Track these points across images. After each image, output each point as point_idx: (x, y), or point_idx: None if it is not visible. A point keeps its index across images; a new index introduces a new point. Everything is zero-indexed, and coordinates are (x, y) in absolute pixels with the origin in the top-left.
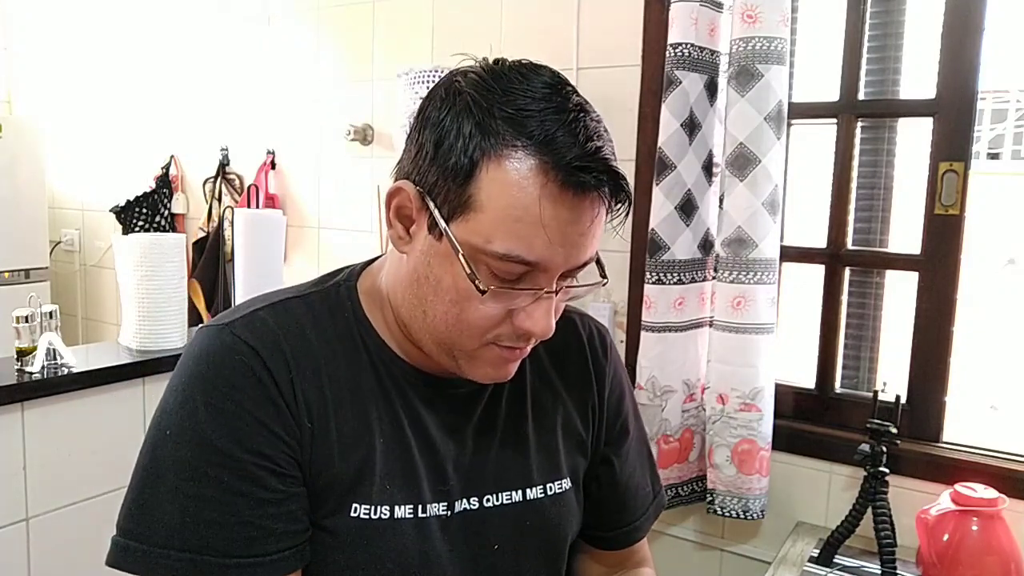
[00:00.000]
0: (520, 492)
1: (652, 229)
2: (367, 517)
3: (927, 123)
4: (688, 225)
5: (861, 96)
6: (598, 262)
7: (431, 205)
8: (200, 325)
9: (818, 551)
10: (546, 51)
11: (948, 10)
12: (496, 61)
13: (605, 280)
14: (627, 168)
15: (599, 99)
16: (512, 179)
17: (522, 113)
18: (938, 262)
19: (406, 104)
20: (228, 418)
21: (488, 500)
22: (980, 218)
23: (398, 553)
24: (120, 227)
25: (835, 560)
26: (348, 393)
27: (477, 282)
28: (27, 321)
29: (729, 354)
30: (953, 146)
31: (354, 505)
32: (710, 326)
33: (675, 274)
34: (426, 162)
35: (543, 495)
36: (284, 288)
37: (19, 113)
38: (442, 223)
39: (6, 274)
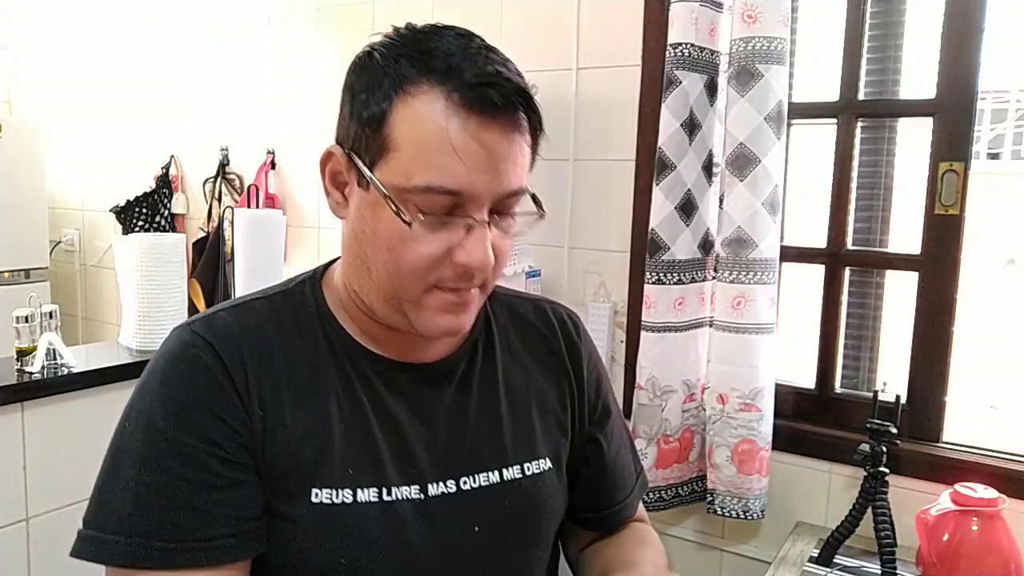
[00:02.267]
0: (497, 473)
1: (652, 229)
2: (328, 502)
3: (927, 123)
4: (688, 225)
5: (861, 96)
6: (534, 198)
7: (356, 160)
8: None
9: (818, 551)
10: (546, 51)
11: (948, 10)
12: (406, 26)
13: (541, 213)
14: (627, 168)
15: (599, 99)
16: (420, 112)
17: (427, 55)
18: (938, 262)
19: None
20: (178, 407)
21: (465, 482)
22: (980, 218)
23: (363, 536)
24: (120, 227)
25: (835, 560)
26: (307, 383)
27: (403, 215)
28: (27, 321)
29: (729, 354)
30: (953, 146)
31: (314, 491)
32: (710, 326)
33: (675, 274)
34: (347, 122)
35: (521, 475)
36: (253, 291)
37: (19, 113)
38: (367, 172)
39: (6, 274)
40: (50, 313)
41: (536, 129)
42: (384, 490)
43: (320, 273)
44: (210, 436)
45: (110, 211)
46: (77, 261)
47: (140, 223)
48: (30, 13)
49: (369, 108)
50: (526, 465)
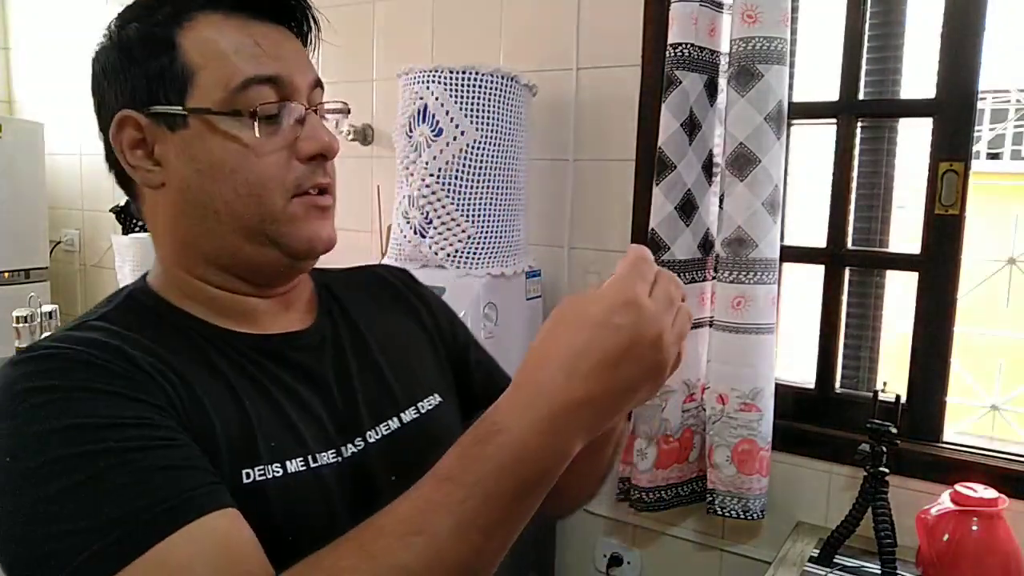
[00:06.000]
0: (396, 419)
1: (652, 229)
2: (262, 478)
3: (927, 123)
4: (688, 225)
5: (861, 96)
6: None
7: (161, 109)
8: None
9: (818, 551)
10: (546, 51)
11: (948, 10)
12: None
13: (347, 107)
14: (627, 168)
15: (599, 99)
16: (207, 32)
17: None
18: (938, 262)
19: (406, 104)
20: (76, 403)
21: (370, 436)
22: (980, 218)
23: (301, 507)
24: (120, 227)
25: (835, 560)
26: (194, 369)
27: (242, 114)
28: (27, 321)
29: (729, 354)
30: (953, 146)
31: (245, 471)
32: (710, 326)
33: (675, 274)
34: (128, 83)
35: (417, 415)
36: (66, 325)
37: (19, 113)
38: (179, 109)
39: (6, 274)
40: (50, 313)
41: (310, 30)
42: (309, 458)
43: (139, 287)
44: (138, 412)
45: (110, 211)
46: (77, 261)
47: (140, 223)
48: (30, 13)
49: (152, 56)
50: (419, 404)
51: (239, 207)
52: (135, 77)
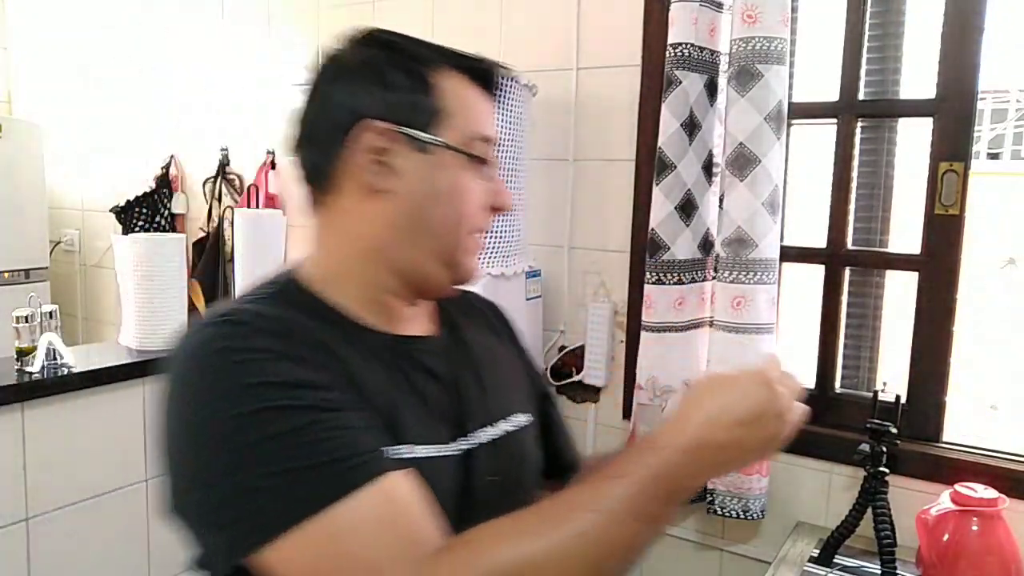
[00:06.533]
0: (498, 426)
1: (652, 229)
2: (397, 457)
3: (927, 123)
4: (688, 225)
5: (861, 96)
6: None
7: (413, 132)
8: (188, 328)
9: (818, 551)
10: (546, 51)
11: (948, 10)
12: (367, 33)
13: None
14: (627, 168)
15: (599, 99)
16: (455, 83)
17: (429, 45)
18: (938, 262)
19: None
20: (270, 364)
21: (480, 438)
22: (980, 218)
23: (437, 489)
24: (120, 227)
25: (835, 560)
26: (356, 356)
27: (476, 158)
28: (27, 321)
29: (729, 354)
30: (953, 146)
31: (394, 448)
32: (710, 326)
33: (675, 274)
34: (381, 100)
35: (513, 428)
36: (238, 297)
37: (19, 113)
38: (431, 137)
39: (6, 274)
40: (50, 313)
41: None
42: (436, 447)
43: (290, 279)
44: (315, 379)
45: (110, 211)
46: (77, 261)
47: (140, 223)
48: (30, 13)
49: (410, 88)
50: (514, 419)
51: (444, 232)
52: (390, 98)
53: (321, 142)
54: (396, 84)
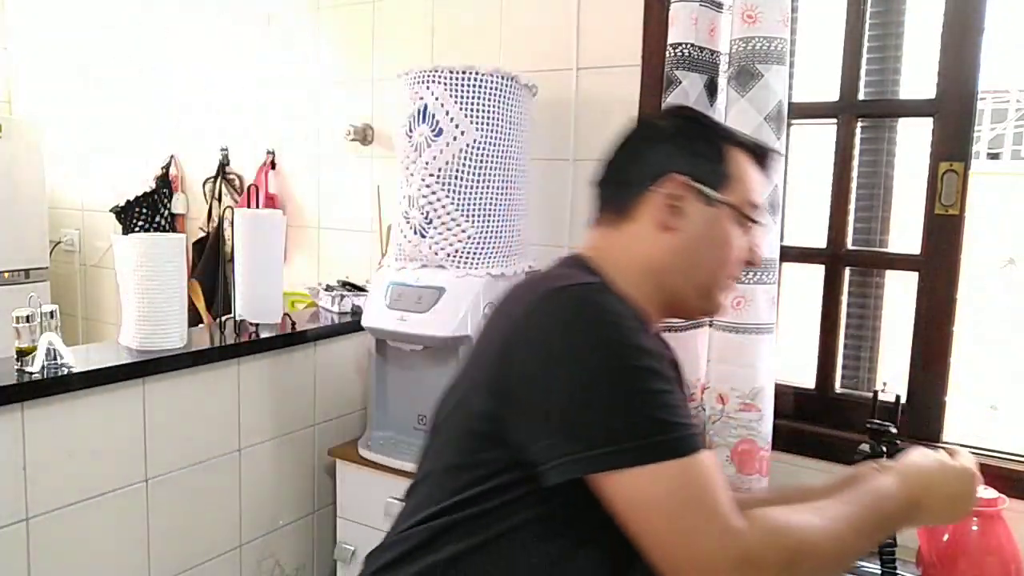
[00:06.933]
0: None
1: None
2: None
3: (927, 123)
4: None
5: (861, 96)
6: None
7: (702, 187)
8: (561, 287)
9: None
10: (546, 51)
11: (948, 10)
12: (679, 108)
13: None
14: None
15: (599, 99)
16: (743, 161)
17: (723, 128)
18: (938, 262)
19: (406, 104)
20: (638, 335)
21: None
22: (980, 218)
23: None
24: (120, 227)
25: None
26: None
27: (753, 220)
28: (27, 321)
29: (729, 354)
30: (953, 146)
31: None
32: (710, 326)
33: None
34: (686, 160)
35: None
36: (558, 272)
37: (19, 113)
38: (717, 195)
39: (6, 274)
40: (50, 313)
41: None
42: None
43: (599, 273)
44: (658, 357)
45: (110, 211)
46: (77, 261)
47: (140, 223)
48: (30, 13)
49: (709, 155)
50: None
51: (709, 270)
52: (694, 160)
53: (631, 184)
54: (700, 151)
